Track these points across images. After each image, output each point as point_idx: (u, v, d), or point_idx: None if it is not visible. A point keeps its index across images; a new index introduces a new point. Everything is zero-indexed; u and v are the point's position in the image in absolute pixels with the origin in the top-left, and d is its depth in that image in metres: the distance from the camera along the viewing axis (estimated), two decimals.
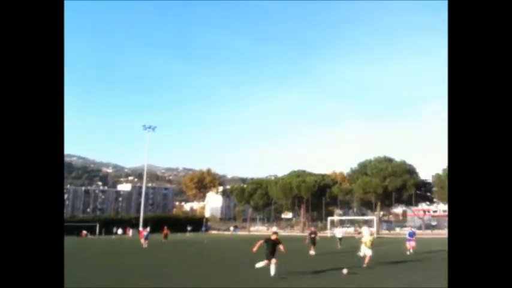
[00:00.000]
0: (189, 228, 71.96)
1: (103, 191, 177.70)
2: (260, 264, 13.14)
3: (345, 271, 13.43)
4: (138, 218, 79.54)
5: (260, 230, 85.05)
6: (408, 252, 22.64)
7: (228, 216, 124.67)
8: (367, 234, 16.48)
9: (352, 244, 28.35)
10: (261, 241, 13.47)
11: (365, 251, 15.90)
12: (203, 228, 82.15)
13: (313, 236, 24.30)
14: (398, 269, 15.81)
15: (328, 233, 54.32)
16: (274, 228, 33.38)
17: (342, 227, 39.22)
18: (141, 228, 58.09)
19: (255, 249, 13.41)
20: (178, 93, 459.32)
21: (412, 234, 24.08)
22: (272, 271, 12.77)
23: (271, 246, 13.10)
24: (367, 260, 15.66)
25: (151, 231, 34.32)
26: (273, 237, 13.44)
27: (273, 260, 12.82)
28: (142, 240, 32.98)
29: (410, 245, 23.30)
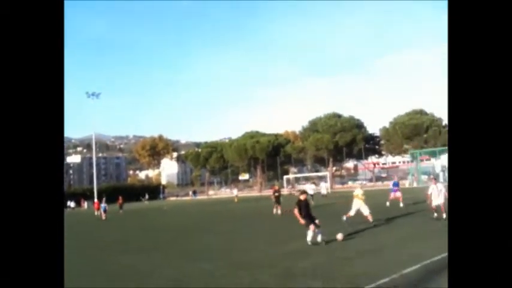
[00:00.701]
0: (146, 196, 71.45)
1: None
2: (310, 236, 11.18)
3: (339, 236, 11.43)
4: (92, 190, 77.80)
5: (219, 193, 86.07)
6: (388, 203, 21.56)
7: (185, 182, 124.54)
8: (359, 190, 15.43)
9: (318, 200, 29.72)
10: (295, 208, 11.55)
11: (362, 209, 14.77)
12: (161, 196, 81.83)
13: (277, 194, 23.79)
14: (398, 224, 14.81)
15: (285, 190, 55.99)
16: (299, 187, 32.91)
17: (312, 183, 40.04)
18: (96, 200, 57.13)
19: (302, 221, 11.39)
20: (121, 57, 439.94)
21: (397, 184, 23.21)
22: (309, 236, 11.20)
23: (305, 208, 11.51)
24: (370, 217, 14.58)
25: (107, 202, 33.75)
26: (303, 197, 11.80)
27: (311, 227, 11.13)
28: (101, 212, 32.57)
29: (395, 195, 22.04)
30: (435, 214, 14.46)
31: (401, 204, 20.90)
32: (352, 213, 15.14)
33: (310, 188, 35.15)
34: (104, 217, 31.89)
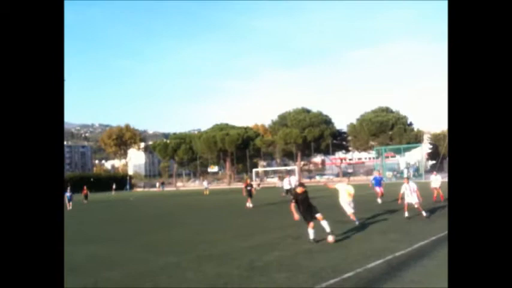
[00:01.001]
0: (114, 186, 70.13)
1: None
2: (312, 234, 10.25)
3: (330, 238, 10.13)
4: None
5: (187, 185, 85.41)
6: (380, 200, 20.46)
7: (152, 173, 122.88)
8: (344, 187, 13.41)
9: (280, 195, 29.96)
10: (291, 203, 10.71)
11: (346, 207, 13.17)
12: (127, 187, 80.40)
13: (249, 188, 23.64)
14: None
15: (254, 184, 56.14)
16: (291, 179, 28.92)
17: (278, 177, 39.52)
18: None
19: (296, 217, 10.55)
20: (89, 43, 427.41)
21: (379, 180, 21.64)
22: (311, 235, 10.25)
23: (303, 202, 10.50)
24: (353, 216, 13.13)
25: (72, 192, 32.81)
26: (299, 189, 10.69)
27: (311, 224, 10.26)
28: (65, 202, 31.65)
29: (381, 190, 21.06)
30: (406, 213, 14.32)
31: (379, 200, 20.48)
32: (349, 210, 13.21)
33: (287, 182, 35.19)
34: (69, 207, 31.06)
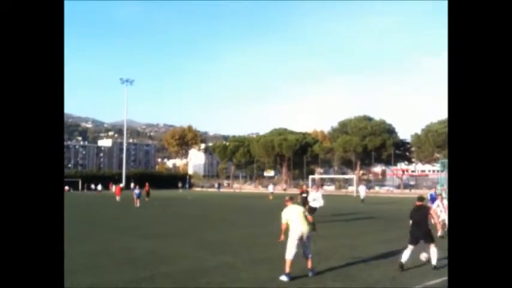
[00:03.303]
0: (180, 185, 72.62)
1: (83, 146, 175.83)
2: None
3: (424, 257, 8.83)
4: (120, 174, 79.66)
5: (243, 187, 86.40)
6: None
7: (210, 174, 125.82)
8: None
9: (370, 203, 29.32)
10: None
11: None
12: (186, 185, 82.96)
13: (305, 195, 18.58)
14: None
15: (310, 190, 55.28)
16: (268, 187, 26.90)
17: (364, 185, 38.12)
18: (121, 185, 58.38)
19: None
20: (156, 45, 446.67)
21: (434, 198, 16.98)
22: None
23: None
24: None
25: (140, 189, 33.65)
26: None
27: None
28: (133, 199, 31.74)
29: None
30: (439, 232, 11.98)
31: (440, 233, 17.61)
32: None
33: (362, 190, 34.15)
34: (137, 204, 30.69)
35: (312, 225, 8.14)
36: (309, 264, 7.98)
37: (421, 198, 9.19)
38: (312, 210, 16.70)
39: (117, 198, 38.04)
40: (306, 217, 8.14)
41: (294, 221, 7.94)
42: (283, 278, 7.52)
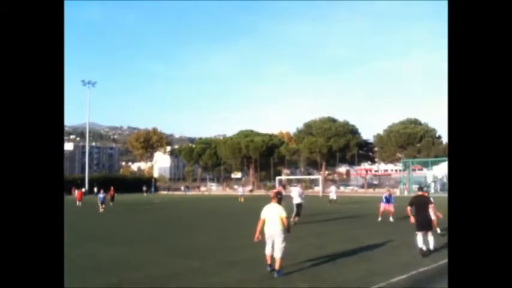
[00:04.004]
0: (144, 188, 71.24)
1: None
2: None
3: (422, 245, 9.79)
4: (83, 179, 77.34)
5: (211, 190, 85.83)
6: (380, 218, 19.05)
7: (177, 177, 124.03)
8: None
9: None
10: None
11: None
12: (152, 189, 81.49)
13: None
14: None
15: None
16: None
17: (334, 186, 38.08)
18: (83, 189, 56.67)
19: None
20: (119, 48, 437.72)
21: (389, 200, 19.78)
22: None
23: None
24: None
25: (105, 193, 32.28)
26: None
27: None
28: (98, 204, 30.58)
29: (388, 208, 19.44)
30: (438, 230, 13.24)
31: (391, 219, 18.80)
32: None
33: (333, 190, 34.14)
34: (101, 209, 29.60)
35: (287, 228, 8.33)
36: (276, 265, 8.06)
37: (421, 188, 10.49)
38: (299, 206, 18.42)
39: (78, 203, 36.71)
40: (281, 219, 8.20)
41: (268, 220, 8.27)
42: (273, 272, 8.03)
